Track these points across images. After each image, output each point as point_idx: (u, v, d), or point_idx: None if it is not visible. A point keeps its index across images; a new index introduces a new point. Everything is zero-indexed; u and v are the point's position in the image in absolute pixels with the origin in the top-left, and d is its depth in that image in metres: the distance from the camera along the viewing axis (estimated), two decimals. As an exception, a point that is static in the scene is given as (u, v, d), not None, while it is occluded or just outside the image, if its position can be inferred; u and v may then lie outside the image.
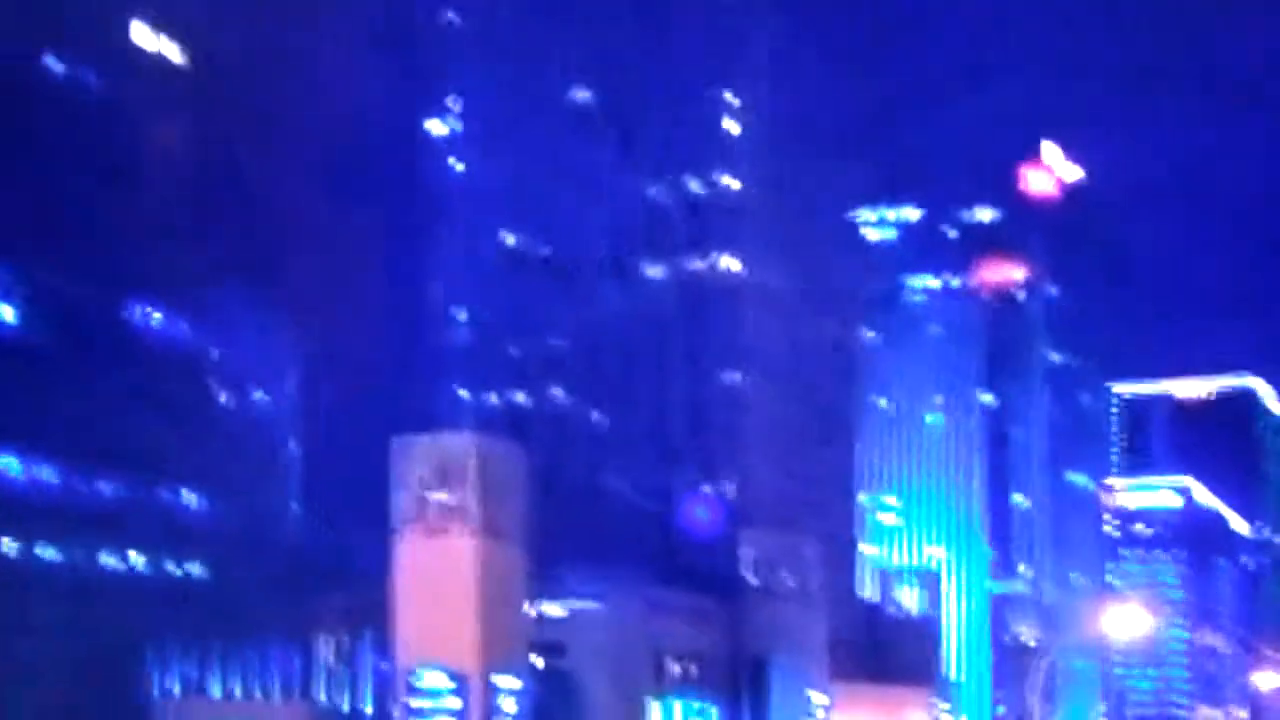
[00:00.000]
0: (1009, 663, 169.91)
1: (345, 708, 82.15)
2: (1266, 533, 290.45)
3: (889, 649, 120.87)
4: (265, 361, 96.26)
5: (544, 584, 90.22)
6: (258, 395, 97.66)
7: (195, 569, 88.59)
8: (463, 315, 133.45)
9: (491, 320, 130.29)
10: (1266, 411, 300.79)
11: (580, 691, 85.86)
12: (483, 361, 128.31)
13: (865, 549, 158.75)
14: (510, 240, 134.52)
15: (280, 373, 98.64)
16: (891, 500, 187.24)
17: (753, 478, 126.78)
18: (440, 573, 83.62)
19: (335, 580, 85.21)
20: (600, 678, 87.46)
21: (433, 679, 78.27)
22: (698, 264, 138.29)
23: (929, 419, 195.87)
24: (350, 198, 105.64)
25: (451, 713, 77.46)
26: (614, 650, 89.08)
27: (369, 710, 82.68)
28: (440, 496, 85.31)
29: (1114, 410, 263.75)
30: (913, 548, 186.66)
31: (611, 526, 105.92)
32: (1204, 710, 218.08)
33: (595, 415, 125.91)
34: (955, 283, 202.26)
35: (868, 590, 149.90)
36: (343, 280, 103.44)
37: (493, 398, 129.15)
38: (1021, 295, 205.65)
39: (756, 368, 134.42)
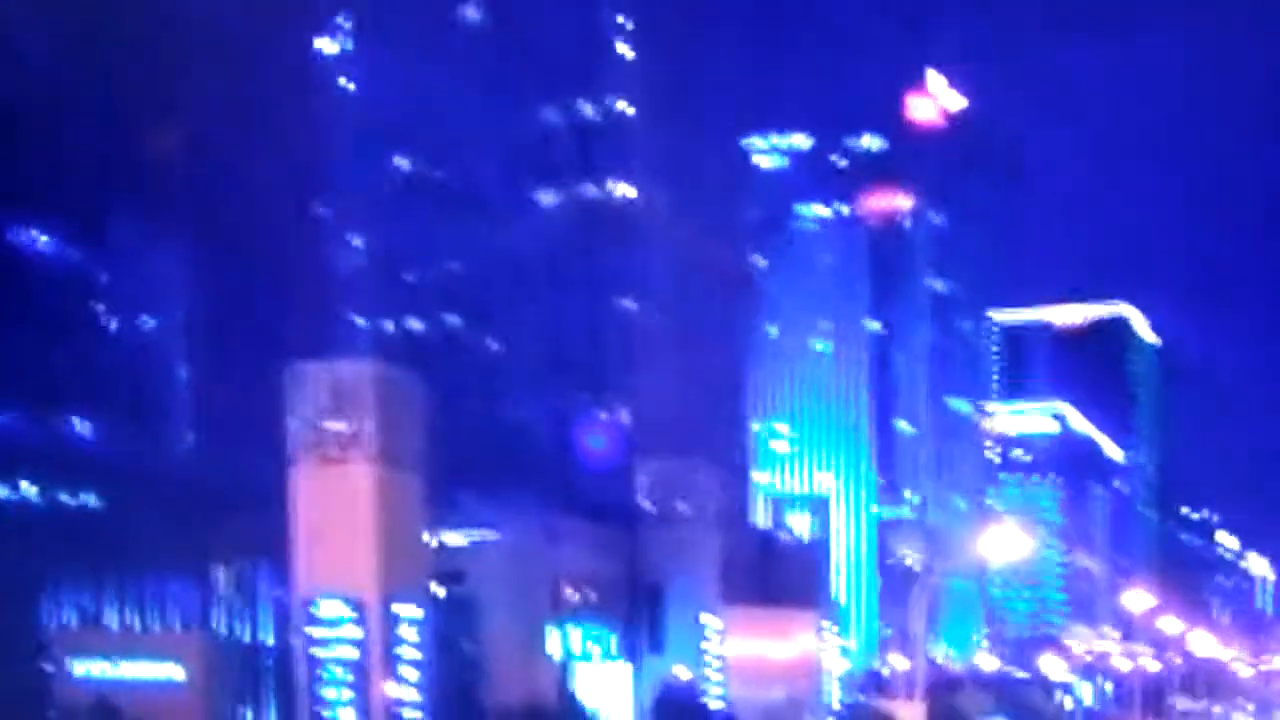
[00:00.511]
0: (894, 585, 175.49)
1: (245, 638, 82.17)
2: (1138, 457, 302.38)
3: (780, 573, 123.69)
4: (157, 287, 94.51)
5: (443, 513, 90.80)
6: (149, 321, 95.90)
7: (89, 499, 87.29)
8: (357, 241, 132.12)
9: (386, 246, 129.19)
10: (1139, 338, 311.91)
11: (480, 619, 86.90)
12: (378, 288, 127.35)
13: (757, 476, 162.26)
14: (404, 165, 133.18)
15: (172, 298, 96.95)
16: (782, 428, 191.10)
17: (648, 405, 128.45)
18: (337, 502, 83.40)
19: (232, 509, 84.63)
20: (500, 605, 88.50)
21: (332, 608, 78.36)
22: (591, 190, 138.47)
23: (818, 346, 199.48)
24: (240, 119, 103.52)
25: (352, 642, 77.76)
26: (513, 578, 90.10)
27: (269, 641, 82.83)
28: (336, 425, 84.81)
29: (993, 337, 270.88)
30: (803, 474, 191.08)
31: (509, 455, 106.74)
32: (1078, 629, 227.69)
33: (491, 342, 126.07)
34: (844, 210, 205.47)
35: (760, 517, 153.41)
36: (235, 204, 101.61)
37: (388, 325, 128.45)
38: (907, 223, 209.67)
39: (650, 295, 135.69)
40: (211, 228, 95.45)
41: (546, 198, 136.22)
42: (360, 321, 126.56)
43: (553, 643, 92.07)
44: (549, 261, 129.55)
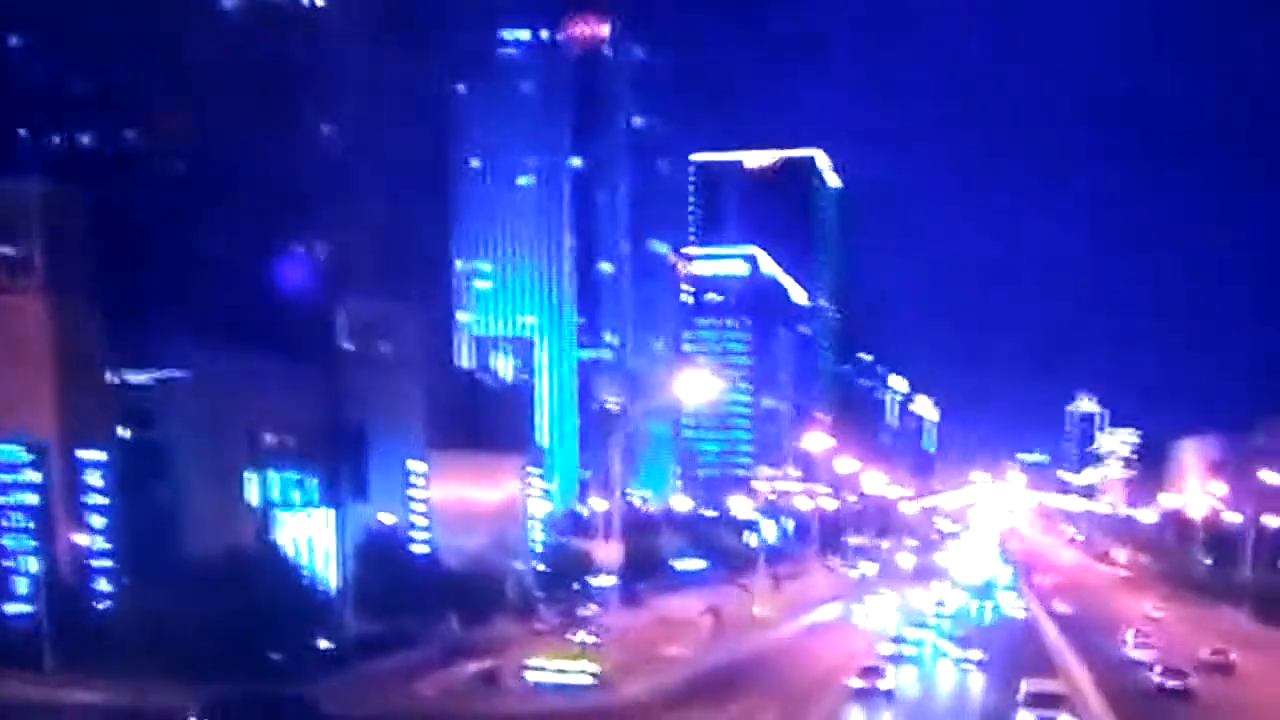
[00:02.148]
0: (595, 427, 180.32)
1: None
2: (820, 301, 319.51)
3: (485, 416, 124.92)
4: None
5: (127, 350, 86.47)
6: None
7: None
8: (17, 40, 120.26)
9: (53, 51, 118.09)
10: (824, 182, 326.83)
11: (172, 464, 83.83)
12: (46, 98, 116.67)
13: (461, 316, 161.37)
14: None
15: None
16: (486, 266, 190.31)
17: (347, 241, 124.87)
18: (7, 335, 78.71)
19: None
20: (193, 450, 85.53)
21: (8, 452, 74.21)
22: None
23: (520, 181, 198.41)
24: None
25: (32, 487, 73.99)
26: (206, 421, 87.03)
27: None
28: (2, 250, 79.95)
29: (690, 179, 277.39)
30: (507, 315, 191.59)
31: (199, 289, 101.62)
32: (763, 470, 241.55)
33: (178, 165, 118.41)
34: (545, 35, 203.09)
35: (464, 358, 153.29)
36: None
37: (57, 140, 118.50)
38: (609, 52, 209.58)
39: (345, 120, 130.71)
40: None
41: (231, 2, 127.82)
42: (26, 135, 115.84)
43: (250, 489, 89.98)
44: (240, 86, 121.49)
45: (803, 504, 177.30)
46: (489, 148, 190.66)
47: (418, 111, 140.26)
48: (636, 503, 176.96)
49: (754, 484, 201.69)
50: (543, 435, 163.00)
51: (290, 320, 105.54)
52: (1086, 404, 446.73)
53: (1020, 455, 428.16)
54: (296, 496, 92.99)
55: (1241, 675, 77.63)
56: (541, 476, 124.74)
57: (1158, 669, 71.09)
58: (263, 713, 49.96)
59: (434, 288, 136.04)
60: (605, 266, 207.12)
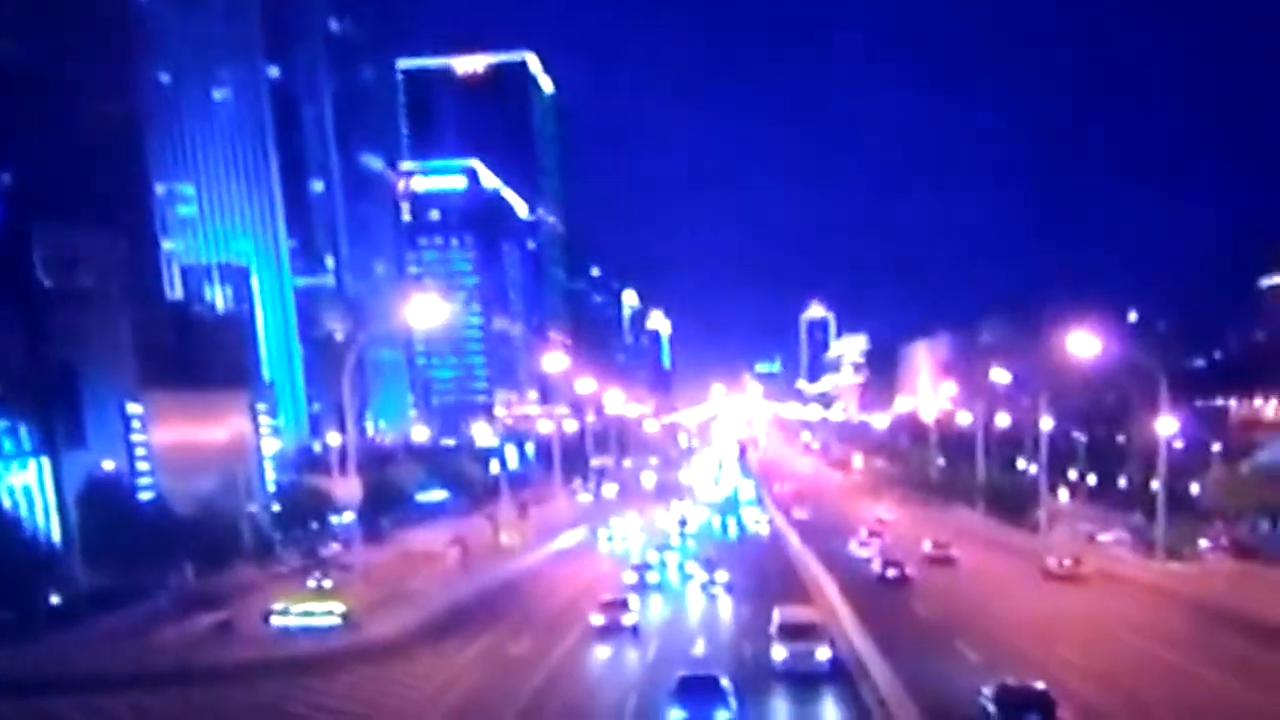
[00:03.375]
0: (320, 358, 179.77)
1: None
2: (545, 214, 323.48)
3: (202, 351, 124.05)
4: None
5: None
6: None
7: None
8: None
9: None
10: (539, 88, 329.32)
11: None
12: None
13: (167, 245, 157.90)
14: None
15: None
16: (189, 190, 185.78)
17: (34, 169, 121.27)
18: None
19: None
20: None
21: None
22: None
23: (217, 95, 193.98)
24: None
25: None
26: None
27: None
28: None
29: (399, 88, 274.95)
30: (217, 242, 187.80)
31: None
32: (501, 394, 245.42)
33: None
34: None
35: (175, 290, 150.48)
36: None
37: None
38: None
39: (24, 37, 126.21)
40: None
41: None
42: None
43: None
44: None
45: (544, 427, 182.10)
46: (179, 61, 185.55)
47: (98, 25, 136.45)
48: (373, 435, 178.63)
49: (494, 410, 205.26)
50: (266, 369, 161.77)
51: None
52: (818, 310, 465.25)
53: (758, 366, 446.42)
54: (7, 445, 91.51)
55: (962, 567, 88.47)
56: (269, 413, 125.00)
57: (878, 562, 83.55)
58: None
59: (134, 214, 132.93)
60: (316, 185, 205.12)
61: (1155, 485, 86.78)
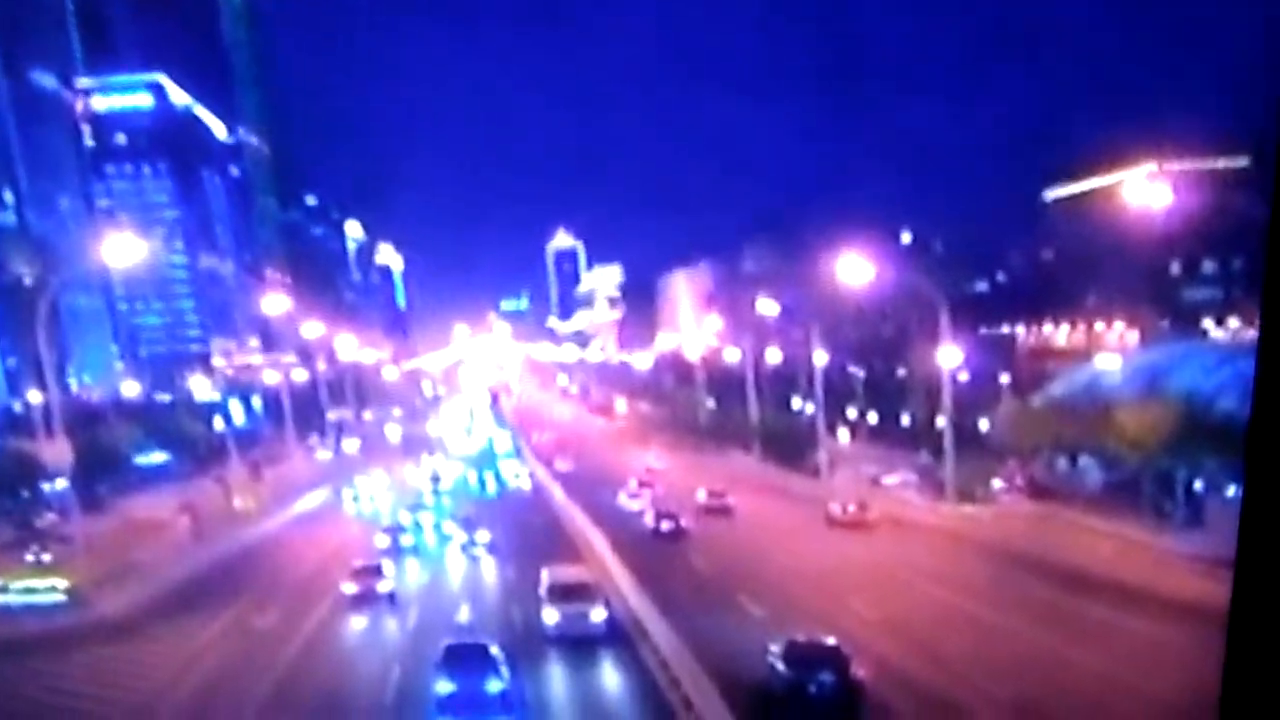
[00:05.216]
0: (7, 306, 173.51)
1: None
2: (247, 136, 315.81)
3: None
4: None
5: None
6: None
7: None
8: None
9: None
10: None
11: None
12: None
13: None
14: None
15: None
16: None
17: None
18: None
19: None
20: None
21: None
22: None
23: None
24: None
25: None
26: None
27: None
28: None
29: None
30: None
31: None
32: (219, 343, 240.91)
33: None
34: None
35: None
36: None
37: None
38: None
39: None
40: None
41: None
42: None
43: None
44: None
45: (270, 378, 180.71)
46: None
47: None
48: (78, 391, 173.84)
49: (212, 360, 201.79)
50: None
51: None
52: (565, 239, 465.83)
53: (504, 304, 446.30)
54: None
55: (740, 516, 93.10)
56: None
57: (650, 514, 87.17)
58: None
59: None
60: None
61: (941, 422, 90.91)
